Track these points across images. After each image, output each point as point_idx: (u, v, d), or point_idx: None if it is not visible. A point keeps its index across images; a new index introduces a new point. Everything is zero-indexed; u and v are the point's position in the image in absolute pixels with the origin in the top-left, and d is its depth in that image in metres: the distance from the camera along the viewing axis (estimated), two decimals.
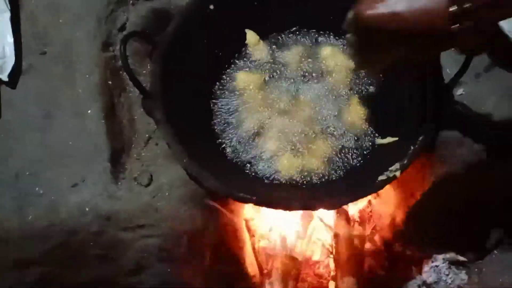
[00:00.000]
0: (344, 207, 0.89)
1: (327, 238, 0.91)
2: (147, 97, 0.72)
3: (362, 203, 0.94)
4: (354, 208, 0.93)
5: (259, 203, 0.67)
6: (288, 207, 0.67)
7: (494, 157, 0.73)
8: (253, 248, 0.90)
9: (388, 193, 0.87)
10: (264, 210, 0.90)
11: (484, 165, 0.73)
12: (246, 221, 0.90)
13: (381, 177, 0.66)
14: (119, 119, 0.81)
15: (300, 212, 0.90)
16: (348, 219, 0.88)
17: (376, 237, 0.94)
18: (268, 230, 0.91)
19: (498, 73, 0.82)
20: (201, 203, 0.72)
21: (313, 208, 0.68)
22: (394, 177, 0.66)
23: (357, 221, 0.92)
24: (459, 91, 0.83)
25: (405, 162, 0.66)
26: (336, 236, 0.87)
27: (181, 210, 0.71)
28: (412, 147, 0.67)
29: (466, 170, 0.72)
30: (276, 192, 0.73)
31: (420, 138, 0.67)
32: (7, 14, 0.81)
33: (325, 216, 0.90)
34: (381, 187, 0.67)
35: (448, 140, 0.72)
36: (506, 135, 0.76)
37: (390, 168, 0.67)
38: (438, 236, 0.85)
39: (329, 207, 0.68)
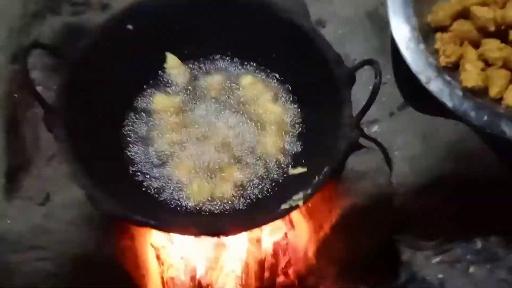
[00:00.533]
0: (257, 237, 0.87)
1: (239, 270, 0.88)
2: (49, 112, 0.68)
3: (277, 235, 0.92)
4: (269, 240, 0.91)
5: (157, 227, 0.64)
6: (186, 232, 0.64)
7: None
8: (161, 278, 0.86)
9: (302, 225, 0.87)
10: (176, 239, 0.87)
11: (387, 198, 0.74)
12: (156, 249, 0.86)
13: (284, 206, 0.65)
14: (22, 135, 0.77)
15: (213, 241, 0.87)
16: (260, 251, 0.86)
17: (290, 271, 0.92)
18: (178, 259, 0.87)
19: (411, 112, 0.85)
20: (96, 226, 0.68)
21: (213, 234, 0.66)
22: (297, 206, 0.65)
23: (271, 253, 0.90)
24: (374, 128, 0.86)
25: (309, 192, 0.66)
26: (246, 267, 0.85)
27: (73, 232, 0.67)
28: (316, 178, 0.67)
29: (370, 203, 0.73)
30: (179, 218, 0.70)
31: (325, 169, 0.67)
32: None
33: (237, 247, 0.87)
34: (283, 215, 0.66)
35: (354, 173, 0.72)
36: (411, 171, 0.78)
37: (293, 197, 0.66)
38: (346, 271, 0.84)
39: (228, 234, 0.67)
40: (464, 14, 0.84)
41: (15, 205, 0.70)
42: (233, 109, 0.84)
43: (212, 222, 0.70)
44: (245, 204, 0.74)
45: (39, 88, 0.76)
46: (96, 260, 0.69)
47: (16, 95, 0.78)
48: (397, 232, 0.88)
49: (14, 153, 0.74)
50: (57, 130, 0.67)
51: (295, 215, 0.87)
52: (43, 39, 0.80)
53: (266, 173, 0.78)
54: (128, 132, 0.80)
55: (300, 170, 0.75)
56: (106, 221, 0.67)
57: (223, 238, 0.86)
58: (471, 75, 0.79)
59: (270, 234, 0.91)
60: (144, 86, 0.84)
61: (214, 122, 0.83)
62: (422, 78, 0.77)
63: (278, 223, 0.90)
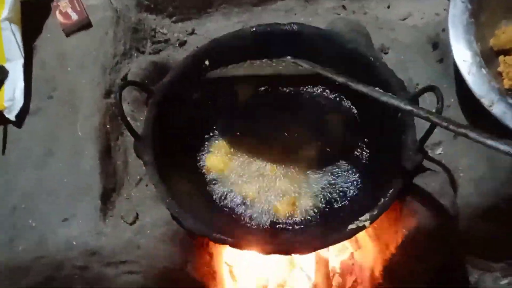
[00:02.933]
0: (325, 257, 0.91)
1: None
2: (138, 141, 0.77)
3: (344, 254, 0.96)
4: (336, 260, 0.95)
5: (234, 244, 0.70)
6: (261, 249, 0.70)
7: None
8: None
9: (368, 245, 0.90)
10: (248, 257, 0.92)
11: (451, 219, 0.76)
12: (230, 266, 0.92)
13: (351, 226, 0.69)
14: (114, 161, 0.86)
15: (282, 261, 0.92)
16: (327, 270, 0.90)
17: None
18: (250, 276, 0.93)
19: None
20: (180, 243, 0.75)
21: (285, 253, 0.71)
22: (364, 226, 0.69)
23: (338, 273, 0.93)
24: (438, 150, 0.87)
25: (375, 213, 0.69)
26: (314, 286, 0.89)
27: (160, 248, 0.75)
28: (382, 199, 0.71)
29: (434, 223, 0.75)
30: (255, 237, 0.76)
31: (390, 191, 0.71)
32: (21, 61, 0.89)
33: (306, 266, 0.92)
34: (350, 236, 0.70)
35: (419, 194, 0.75)
36: (476, 192, 0.79)
37: (360, 218, 0.69)
38: None
39: (299, 253, 0.71)
40: None
41: (109, 224, 0.79)
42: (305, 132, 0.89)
43: (284, 242, 0.75)
44: (314, 224, 0.79)
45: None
46: (180, 273, 0.76)
47: (108, 126, 0.87)
48: (464, 253, 0.88)
49: (107, 178, 0.83)
50: (145, 156, 0.76)
51: (361, 235, 0.90)
52: (132, 76, 0.90)
53: (335, 196, 0.82)
54: (206, 157, 0.87)
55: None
56: (189, 238, 0.74)
57: (293, 257, 0.91)
58: None
59: (337, 254, 0.95)
60: (219, 115, 0.91)
61: (286, 142, 0.87)
62: (485, 101, 0.78)
63: (345, 243, 0.94)
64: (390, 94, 0.70)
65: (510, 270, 0.90)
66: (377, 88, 0.71)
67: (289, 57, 0.84)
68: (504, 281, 0.90)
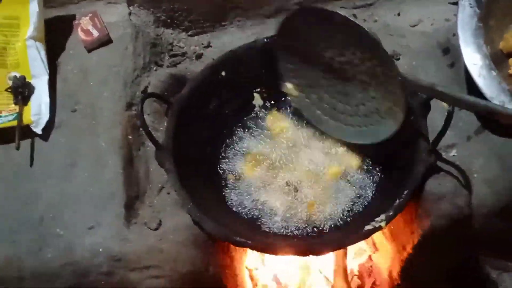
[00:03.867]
0: (343, 260, 0.92)
1: None
2: (160, 150, 0.80)
3: (362, 257, 0.97)
4: (354, 262, 0.96)
5: (253, 247, 0.72)
6: (280, 251, 0.72)
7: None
8: None
9: (385, 247, 0.91)
10: (267, 260, 0.94)
11: (466, 219, 0.77)
12: (250, 270, 0.94)
13: (367, 227, 0.71)
14: (136, 170, 0.89)
15: (301, 264, 0.94)
16: (346, 273, 0.92)
17: None
18: (269, 280, 0.95)
19: (487, 136, 0.88)
20: (202, 246, 0.77)
21: (304, 254, 0.73)
22: (380, 227, 0.70)
23: (356, 275, 0.95)
24: (452, 152, 0.89)
25: (390, 213, 0.71)
26: None
27: (183, 252, 0.77)
28: (397, 200, 0.72)
29: (449, 224, 0.76)
30: (273, 239, 0.78)
31: (405, 192, 0.73)
32: (46, 77, 0.94)
33: (324, 269, 0.93)
34: (367, 236, 0.71)
35: (433, 195, 0.76)
36: (491, 193, 0.80)
37: (376, 219, 0.71)
38: None
39: (318, 253, 0.73)
40: None
41: (133, 230, 0.82)
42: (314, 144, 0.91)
43: (302, 243, 0.77)
44: (331, 227, 0.81)
45: None
46: (202, 276, 0.78)
47: (130, 137, 0.91)
48: (482, 253, 0.89)
49: (130, 186, 0.86)
50: (166, 164, 0.79)
51: (378, 237, 0.92)
52: (151, 88, 0.93)
53: (351, 197, 0.84)
54: (225, 165, 0.90)
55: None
56: (210, 242, 0.76)
57: (311, 261, 0.93)
58: None
59: (355, 256, 0.97)
60: (237, 124, 0.94)
61: (300, 151, 0.90)
62: (496, 102, 0.80)
63: (363, 245, 0.96)
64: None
65: None
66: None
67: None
68: None
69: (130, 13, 1.03)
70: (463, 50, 0.85)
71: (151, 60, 1.00)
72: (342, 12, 1.08)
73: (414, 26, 1.05)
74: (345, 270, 0.92)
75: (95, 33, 0.97)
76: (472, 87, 0.86)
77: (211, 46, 1.07)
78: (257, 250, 0.73)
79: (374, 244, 0.95)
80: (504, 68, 0.87)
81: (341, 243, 0.73)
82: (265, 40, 0.91)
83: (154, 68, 1.00)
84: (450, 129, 0.80)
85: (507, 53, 0.89)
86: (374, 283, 0.96)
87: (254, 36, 1.04)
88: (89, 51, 0.98)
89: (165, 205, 0.84)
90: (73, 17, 1.01)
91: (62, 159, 0.89)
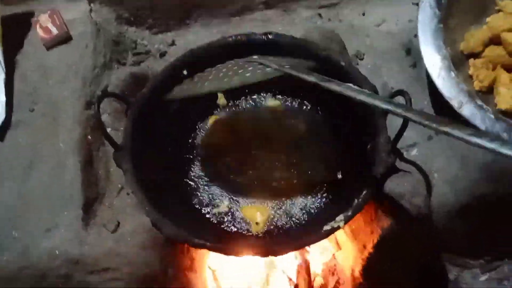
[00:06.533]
0: (306, 259, 0.92)
1: None
2: (118, 150, 0.79)
3: (326, 256, 0.98)
4: (318, 261, 0.97)
5: (212, 249, 0.72)
6: (239, 253, 0.71)
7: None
8: None
9: (348, 246, 0.92)
10: (231, 261, 0.94)
11: (425, 219, 0.78)
12: (213, 271, 0.93)
13: (326, 227, 0.71)
14: (96, 171, 0.88)
15: (265, 263, 0.94)
16: (309, 272, 0.92)
17: None
18: (233, 280, 0.94)
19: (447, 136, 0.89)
20: (161, 248, 0.76)
21: (265, 254, 0.73)
22: (338, 227, 0.70)
23: (320, 274, 0.95)
24: (413, 152, 0.90)
25: (349, 213, 0.71)
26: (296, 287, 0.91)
27: (141, 255, 0.76)
28: (356, 200, 0.73)
29: (408, 223, 0.77)
30: (232, 240, 0.78)
31: (364, 192, 0.73)
32: (2, 76, 0.91)
33: (287, 268, 0.93)
34: (325, 236, 0.71)
35: (392, 195, 0.77)
36: (451, 192, 0.81)
37: (335, 219, 0.71)
38: None
39: (278, 254, 0.73)
40: (495, 40, 0.88)
41: (91, 232, 0.80)
42: (280, 141, 0.91)
43: (262, 244, 0.76)
44: (291, 227, 0.81)
45: (108, 130, 0.88)
46: (162, 279, 0.77)
47: (89, 137, 0.89)
48: (443, 251, 0.90)
49: (89, 187, 0.84)
50: (124, 165, 0.77)
51: (342, 236, 0.92)
52: (112, 87, 0.92)
53: (310, 198, 0.84)
54: (188, 166, 0.89)
55: None
56: (169, 244, 0.75)
57: (274, 260, 0.93)
58: (504, 97, 0.83)
59: (319, 255, 0.97)
60: (200, 124, 0.93)
61: (262, 151, 0.90)
62: (454, 103, 0.81)
63: (326, 244, 0.96)
64: (367, 91, 0.66)
65: (489, 267, 0.92)
66: (351, 85, 0.67)
67: (255, 56, 0.84)
68: (483, 277, 0.92)
69: (91, 10, 1.01)
70: (423, 51, 0.86)
71: (113, 59, 0.98)
72: (309, 12, 1.10)
73: (378, 25, 1.06)
74: (307, 269, 0.92)
75: (54, 31, 0.95)
76: (432, 87, 0.87)
77: (175, 45, 1.06)
78: (216, 252, 0.72)
79: (337, 243, 0.96)
80: (464, 69, 0.88)
81: (300, 243, 0.72)
82: (229, 38, 0.90)
83: (116, 66, 0.98)
84: (411, 129, 0.80)
85: (468, 53, 0.90)
86: (337, 281, 0.96)
87: (219, 35, 1.03)
88: (48, 49, 0.96)
89: (124, 206, 0.83)
90: (31, 14, 0.99)
91: (19, 160, 0.87)
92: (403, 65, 0.98)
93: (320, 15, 1.08)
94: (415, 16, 0.99)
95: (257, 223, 0.82)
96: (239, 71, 0.80)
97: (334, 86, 0.67)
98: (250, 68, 0.80)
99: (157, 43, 1.05)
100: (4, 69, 0.91)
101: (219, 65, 0.84)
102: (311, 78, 0.70)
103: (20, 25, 0.98)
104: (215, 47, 0.91)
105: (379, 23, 1.06)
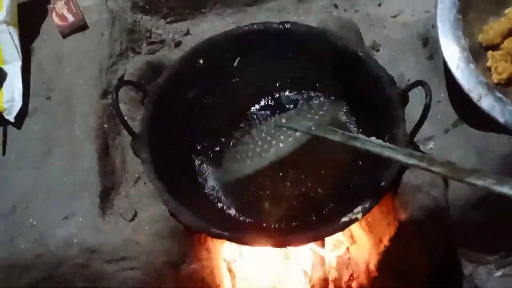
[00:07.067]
0: (321, 252, 0.92)
1: (304, 283, 0.94)
2: (135, 139, 0.79)
3: (340, 249, 0.97)
4: (332, 255, 0.97)
5: (230, 238, 0.72)
6: (256, 243, 0.71)
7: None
8: None
9: (363, 239, 0.91)
10: (246, 253, 0.94)
11: (442, 211, 0.78)
12: (228, 262, 0.94)
13: (344, 219, 0.71)
14: (112, 160, 0.88)
15: (279, 256, 0.94)
16: (323, 265, 0.92)
17: (354, 284, 0.97)
18: (248, 272, 0.95)
19: (465, 128, 0.89)
20: (178, 238, 0.77)
21: (280, 245, 0.72)
22: (356, 219, 0.70)
23: (334, 267, 0.95)
24: (430, 145, 0.89)
25: (367, 205, 0.71)
26: (311, 280, 0.90)
27: (158, 244, 0.76)
28: (374, 192, 0.72)
29: (425, 215, 0.77)
30: (250, 230, 0.78)
31: (382, 184, 0.72)
32: (19, 63, 0.91)
33: (303, 261, 0.93)
34: (343, 228, 0.71)
35: (410, 187, 0.77)
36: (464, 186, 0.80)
37: (353, 211, 0.71)
38: (408, 284, 0.88)
39: (294, 245, 0.73)
40: None
41: (109, 221, 0.80)
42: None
43: (278, 235, 0.76)
44: (309, 219, 0.81)
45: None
46: (178, 268, 0.77)
47: (106, 126, 0.89)
48: (458, 245, 0.90)
49: (106, 176, 0.84)
50: (142, 154, 0.77)
51: (356, 229, 0.92)
52: (128, 76, 0.91)
53: (328, 190, 0.84)
54: (202, 153, 0.89)
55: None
56: (186, 233, 0.75)
57: (290, 253, 0.93)
58: None
59: (333, 249, 0.97)
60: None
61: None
62: (473, 95, 0.80)
63: (341, 237, 0.96)
64: (392, 146, 0.65)
65: (504, 262, 0.92)
66: (374, 139, 0.68)
67: (272, 121, 0.85)
68: (498, 273, 0.92)
69: None
70: (442, 42, 0.85)
71: (128, 47, 0.98)
72: (324, 2, 1.09)
73: (394, 17, 1.05)
74: (322, 262, 0.92)
75: (70, 18, 0.94)
76: (450, 79, 0.86)
77: (190, 34, 1.05)
78: (234, 242, 0.72)
79: (351, 236, 0.95)
80: (482, 61, 0.87)
81: (317, 234, 0.72)
82: (244, 28, 0.89)
83: (131, 55, 0.98)
84: (428, 122, 0.79)
85: (486, 45, 0.89)
86: (352, 275, 0.96)
87: (234, 24, 1.03)
88: (64, 36, 0.95)
89: (141, 195, 0.83)
90: (47, 1, 0.99)
91: (36, 148, 0.87)
92: (420, 57, 0.97)
93: (336, 5, 1.08)
94: (431, 6, 0.99)
95: (272, 213, 0.82)
96: (273, 142, 0.81)
97: (360, 143, 0.68)
98: (282, 137, 0.81)
99: (172, 33, 1.05)
100: (21, 56, 0.91)
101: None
102: (337, 138, 0.71)
103: (36, 13, 0.97)
104: (232, 36, 0.90)
105: (395, 14, 1.05)
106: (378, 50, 1.01)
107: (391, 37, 1.00)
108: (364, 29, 1.01)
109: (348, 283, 0.97)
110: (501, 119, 0.78)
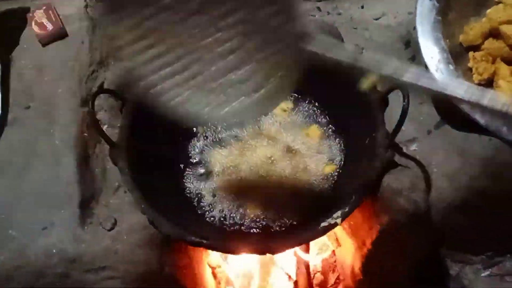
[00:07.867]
0: (305, 256, 0.92)
1: (289, 287, 0.94)
2: (113, 148, 0.78)
3: (326, 253, 0.97)
4: (317, 258, 0.96)
5: (209, 246, 0.71)
6: (236, 250, 0.71)
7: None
8: None
9: (347, 242, 0.91)
10: (230, 258, 0.93)
11: (423, 214, 0.78)
12: (212, 268, 0.93)
13: (323, 224, 0.70)
14: (92, 169, 0.87)
15: (264, 260, 0.93)
16: (308, 269, 0.91)
17: (340, 287, 0.96)
18: (233, 277, 0.94)
19: (447, 130, 0.88)
20: (158, 247, 0.76)
21: (262, 253, 0.72)
22: (335, 224, 0.70)
23: (320, 271, 0.94)
24: (412, 146, 0.89)
25: (346, 210, 0.71)
26: (295, 284, 0.90)
27: (138, 253, 0.76)
28: (353, 196, 0.72)
29: (406, 218, 0.76)
30: (230, 238, 0.77)
31: (362, 188, 0.72)
32: None
33: (287, 266, 0.93)
34: (323, 233, 0.71)
35: (390, 190, 0.76)
36: (451, 187, 0.80)
37: (332, 216, 0.71)
38: (394, 286, 0.87)
39: (275, 252, 0.72)
40: (494, 33, 0.87)
41: (88, 231, 0.80)
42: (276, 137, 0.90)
43: (259, 242, 0.76)
44: (288, 225, 0.80)
45: (105, 127, 0.87)
46: (159, 277, 0.77)
47: (86, 134, 0.88)
48: (444, 247, 0.90)
49: (86, 186, 0.84)
50: (121, 163, 0.77)
51: (341, 233, 0.92)
52: (109, 84, 0.91)
53: (309, 195, 0.83)
54: (182, 161, 0.88)
55: None
56: (166, 242, 0.75)
57: (274, 257, 0.92)
58: (504, 90, 0.81)
59: (319, 252, 0.96)
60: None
61: (259, 145, 0.89)
62: None
63: (326, 241, 0.95)
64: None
65: (490, 262, 0.91)
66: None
67: None
68: (485, 273, 0.91)
69: (86, 6, 0.99)
70: (421, 44, 0.85)
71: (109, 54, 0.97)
72: (307, 5, 1.08)
73: (377, 19, 1.05)
74: (307, 266, 0.92)
75: (50, 27, 0.94)
76: None
77: None
78: (213, 250, 0.72)
79: (337, 239, 0.95)
80: (463, 62, 0.87)
81: (298, 240, 0.72)
82: None
83: (112, 62, 0.97)
84: (410, 123, 0.80)
85: (467, 46, 0.89)
86: (337, 278, 0.96)
87: None
88: (44, 45, 0.95)
89: (121, 204, 0.83)
90: (27, 10, 0.98)
91: (16, 158, 0.86)
92: (402, 58, 0.97)
93: (319, 8, 1.07)
94: (413, 8, 0.98)
95: (253, 219, 0.81)
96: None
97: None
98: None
99: None
100: (0, 65, 0.91)
101: None
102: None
103: (15, 22, 0.97)
104: None
105: (378, 16, 1.05)
106: (361, 53, 1.00)
107: (374, 40, 1.00)
108: (347, 32, 1.00)
109: (334, 286, 0.97)
110: (482, 120, 0.78)
